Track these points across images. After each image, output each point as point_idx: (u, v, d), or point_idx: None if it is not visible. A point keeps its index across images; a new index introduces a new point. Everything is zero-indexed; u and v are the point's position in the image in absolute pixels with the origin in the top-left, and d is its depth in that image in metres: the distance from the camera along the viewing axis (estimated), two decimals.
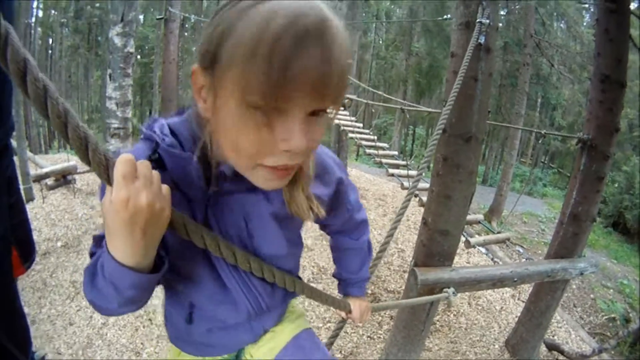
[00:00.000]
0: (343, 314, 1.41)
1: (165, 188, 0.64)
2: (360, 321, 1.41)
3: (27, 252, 1.58)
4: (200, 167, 0.78)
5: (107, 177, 0.60)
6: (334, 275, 1.41)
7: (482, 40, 2.72)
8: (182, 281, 0.94)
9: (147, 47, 31.34)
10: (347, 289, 1.38)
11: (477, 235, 5.11)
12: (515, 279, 3.48)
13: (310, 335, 1.21)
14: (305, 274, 5.66)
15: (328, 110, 0.68)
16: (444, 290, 2.81)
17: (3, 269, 1.34)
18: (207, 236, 0.76)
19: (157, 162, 0.76)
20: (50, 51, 29.68)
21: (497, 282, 3.40)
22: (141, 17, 30.97)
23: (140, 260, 0.66)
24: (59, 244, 5.89)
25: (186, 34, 30.00)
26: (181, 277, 0.93)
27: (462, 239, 4.33)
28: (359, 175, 13.21)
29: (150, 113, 32.66)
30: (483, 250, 7.50)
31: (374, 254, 1.52)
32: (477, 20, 2.74)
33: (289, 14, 0.57)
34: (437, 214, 3.15)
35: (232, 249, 0.82)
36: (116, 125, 4.58)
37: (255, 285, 0.98)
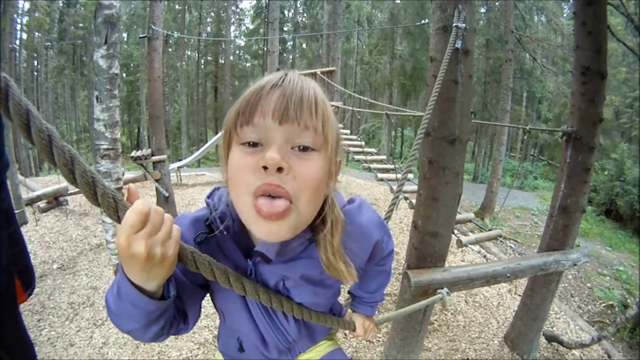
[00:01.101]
0: (347, 332, 1.45)
1: (175, 232, 0.71)
2: (364, 338, 1.46)
3: (27, 280, 1.62)
4: (241, 238, 0.98)
5: (117, 218, 0.64)
6: (349, 292, 1.48)
7: (459, 45, 2.76)
8: (229, 321, 1.13)
9: (132, 65, 31.37)
10: (359, 306, 1.44)
11: (470, 233, 5.13)
12: (509, 275, 3.51)
13: (342, 352, 1.36)
14: None
15: (313, 147, 0.82)
16: (438, 290, 2.85)
17: (8, 299, 1.38)
18: (215, 269, 0.83)
19: (210, 227, 0.94)
20: (35, 73, 29.55)
21: (491, 279, 3.43)
22: (125, 35, 30.95)
23: (143, 284, 0.72)
24: (55, 266, 5.90)
25: (170, 49, 30.00)
26: (227, 318, 1.13)
27: (455, 238, 4.37)
28: (349, 181, 13.31)
29: (138, 131, 32.64)
30: (475, 248, 7.55)
31: None
32: (454, 24, 2.77)
33: (262, 79, 0.85)
34: (426, 217, 3.18)
35: (240, 279, 0.89)
36: (105, 147, 4.59)
37: (284, 326, 1.12)
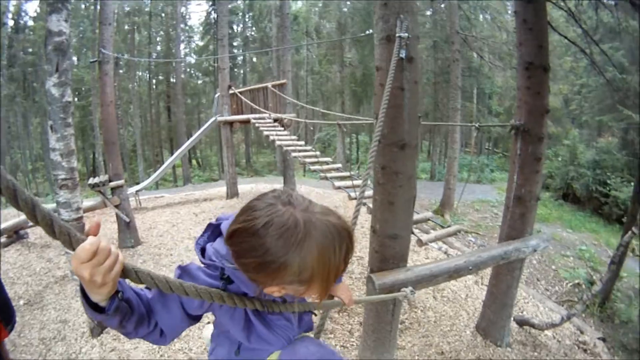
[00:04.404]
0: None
1: (117, 267, 0.87)
2: (351, 302, 1.69)
3: (7, 317, 1.64)
4: None
5: (72, 248, 0.80)
6: None
7: (403, 54, 2.86)
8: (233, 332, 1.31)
9: (83, 90, 30.53)
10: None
11: (431, 231, 5.23)
12: (470, 268, 3.62)
13: (314, 339, 1.52)
14: None
15: None
16: (402, 289, 2.93)
17: None
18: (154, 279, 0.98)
19: (227, 280, 1.16)
20: None
21: (454, 274, 3.53)
22: (75, 58, 30.16)
23: (89, 294, 0.91)
24: (22, 302, 5.75)
25: (121, 71, 29.42)
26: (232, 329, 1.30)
27: (415, 238, 4.47)
28: (308, 190, 13.38)
29: (93, 156, 31.84)
30: (435, 245, 7.71)
31: None
32: (397, 35, 2.87)
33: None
34: (384, 220, 3.27)
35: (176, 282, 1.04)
36: (63, 176, 4.53)
37: (282, 328, 1.36)
